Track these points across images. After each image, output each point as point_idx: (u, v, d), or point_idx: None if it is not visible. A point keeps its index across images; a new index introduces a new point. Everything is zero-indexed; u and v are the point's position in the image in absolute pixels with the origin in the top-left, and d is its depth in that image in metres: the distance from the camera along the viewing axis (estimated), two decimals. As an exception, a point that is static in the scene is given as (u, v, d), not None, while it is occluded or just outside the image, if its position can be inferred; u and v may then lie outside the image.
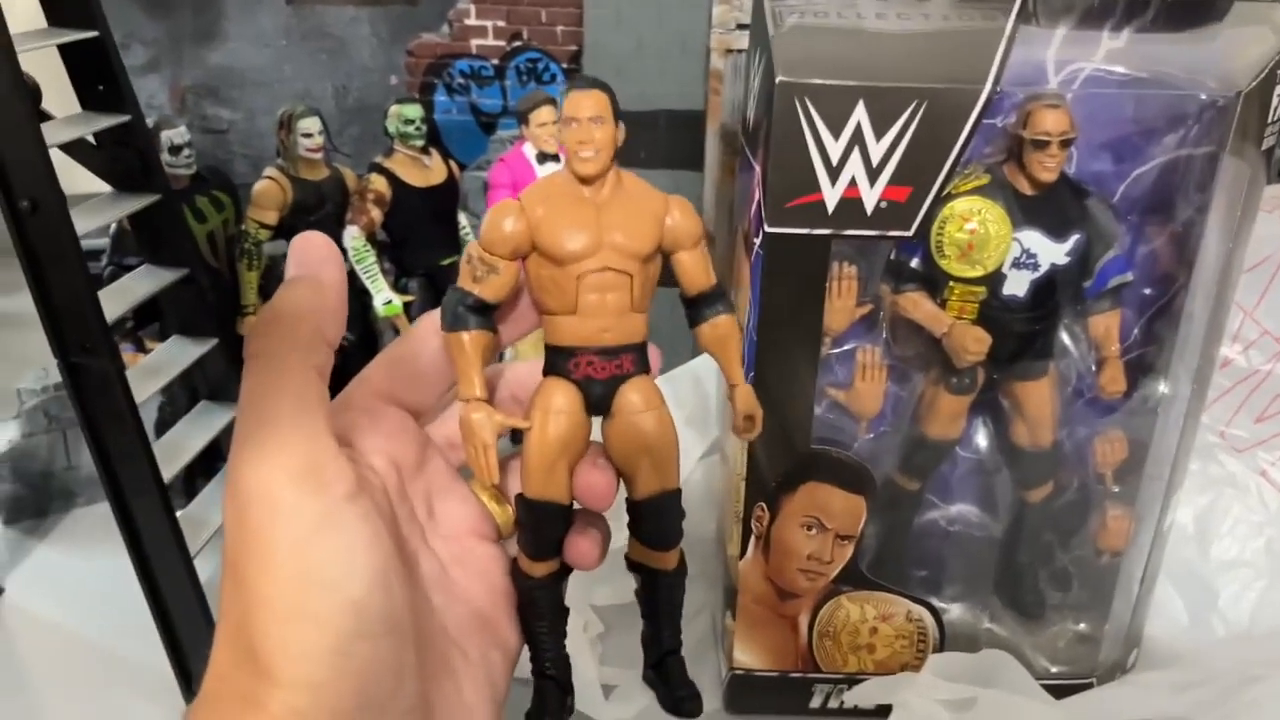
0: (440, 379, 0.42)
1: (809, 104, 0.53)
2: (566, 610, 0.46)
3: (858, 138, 0.53)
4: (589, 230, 0.41)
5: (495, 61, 1.45)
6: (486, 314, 0.42)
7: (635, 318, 0.42)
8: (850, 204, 0.55)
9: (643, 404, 0.43)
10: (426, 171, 1.28)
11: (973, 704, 0.60)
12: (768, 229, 0.56)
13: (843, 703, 0.70)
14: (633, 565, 0.46)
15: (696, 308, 0.45)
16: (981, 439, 0.70)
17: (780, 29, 0.56)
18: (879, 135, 0.53)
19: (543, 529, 0.43)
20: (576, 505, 0.44)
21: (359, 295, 1.25)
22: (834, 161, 0.54)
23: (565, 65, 1.45)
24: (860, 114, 0.53)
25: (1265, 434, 0.82)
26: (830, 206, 0.55)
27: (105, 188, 0.87)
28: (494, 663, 0.43)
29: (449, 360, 0.42)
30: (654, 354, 0.44)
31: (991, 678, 0.61)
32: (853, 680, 0.69)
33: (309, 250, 0.41)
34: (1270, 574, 0.79)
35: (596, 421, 0.44)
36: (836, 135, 0.53)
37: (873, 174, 0.54)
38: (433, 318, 0.42)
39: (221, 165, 1.49)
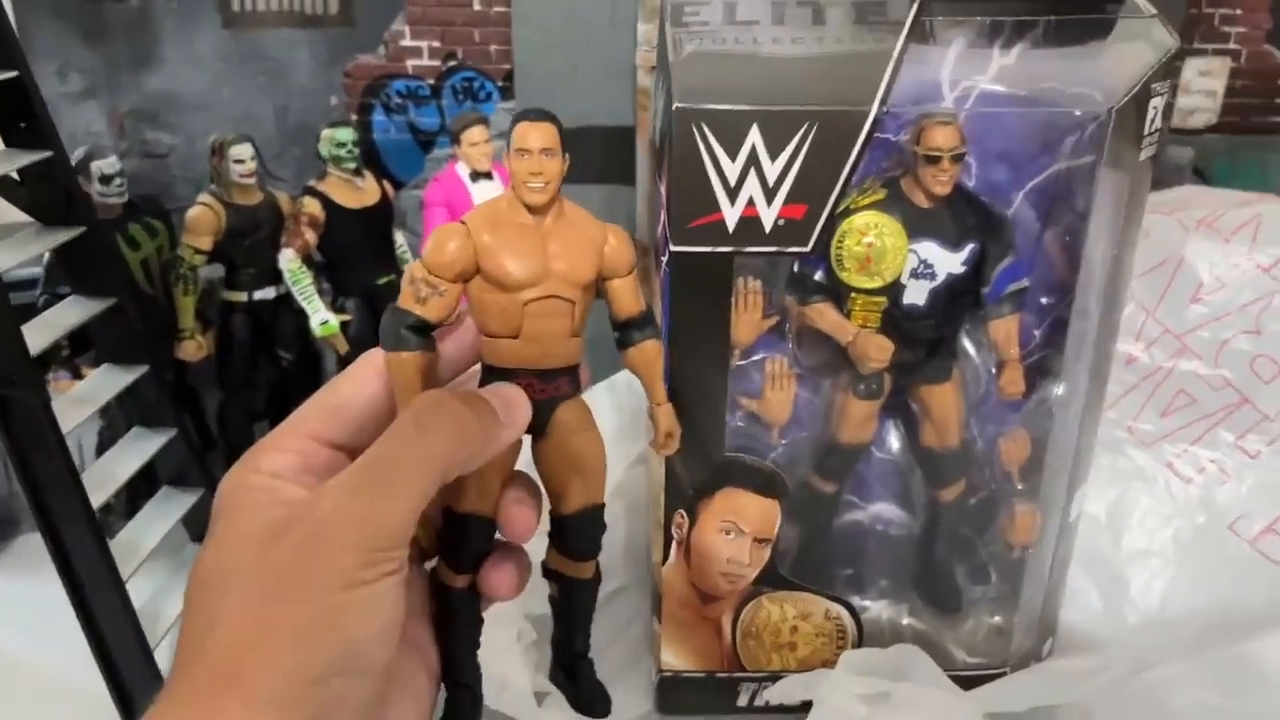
0: (380, 423, 0.42)
1: (705, 128, 0.55)
2: (482, 621, 0.47)
3: (753, 159, 0.56)
4: (536, 258, 0.42)
5: (431, 81, 1.47)
6: (427, 334, 0.43)
7: (573, 342, 0.44)
8: (749, 223, 0.57)
9: (577, 425, 0.45)
10: (359, 193, 1.29)
11: (887, 698, 0.63)
12: (673, 248, 0.58)
13: (768, 701, 0.72)
14: (550, 573, 0.48)
15: (626, 331, 0.47)
16: (894, 441, 0.72)
17: (679, 55, 0.58)
18: (773, 156, 0.56)
19: (468, 542, 0.44)
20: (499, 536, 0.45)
21: (297, 315, 1.27)
22: (732, 183, 0.56)
23: (500, 83, 1.48)
24: (755, 137, 0.55)
25: (1170, 428, 0.85)
26: (731, 226, 0.57)
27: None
28: (420, 685, 0.44)
29: (390, 379, 0.42)
30: (584, 374, 0.46)
31: (903, 671, 0.64)
32: (777, 678, 0.71)
33: (516, 413, 0.43)
34: (1178, 562, 0.82)
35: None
36: (733, 157, 0.56)
37: (769, 194, 0.57)
38: (371, 360, 0.43)
39: (163, 190, 1.50)
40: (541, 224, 0.43)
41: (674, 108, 0.55)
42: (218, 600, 0.36)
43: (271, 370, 1.35)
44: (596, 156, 1.31)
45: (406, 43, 1.49)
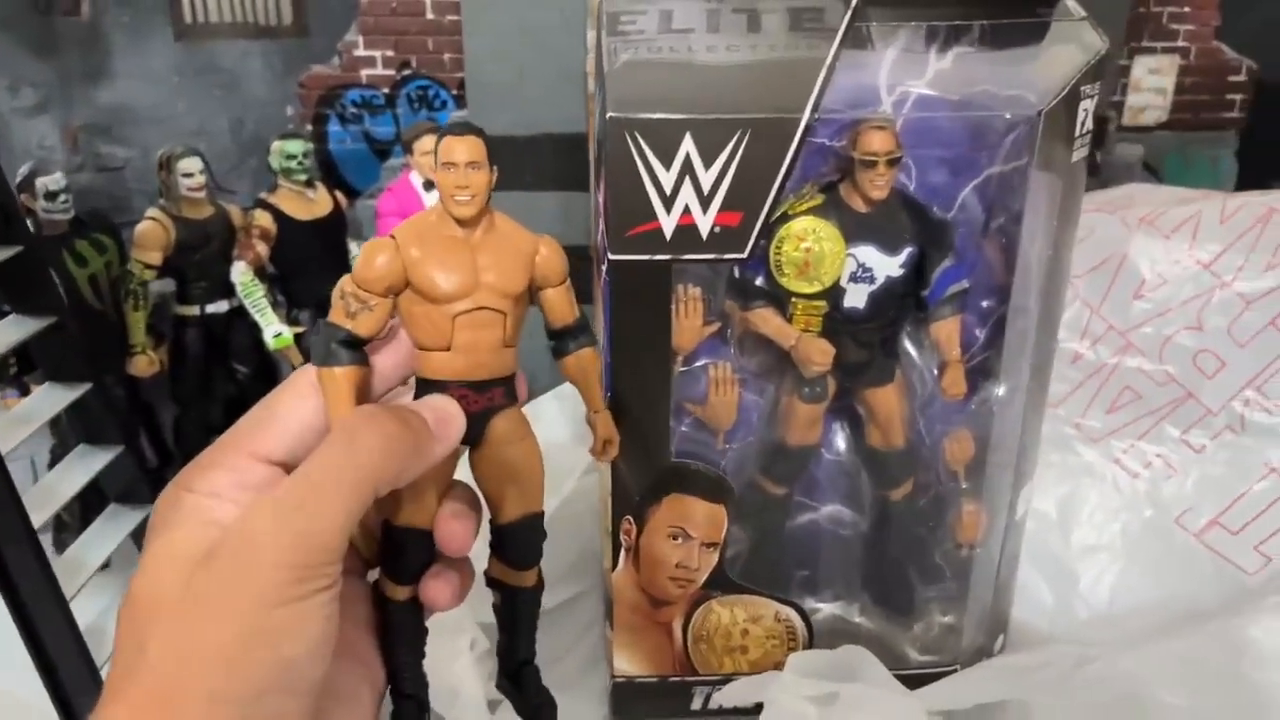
0: (317, 439, 0.42)
1: (639, 137, 0.55)
2: (426, 631, 0.47)
3: (688, 168, 0.56)
4: (465, 271, 0.42)
5: (386, 90, 1.47)
6: (359, 349, 0.43)
7: (507, 353, 0.44)
8: (686, 230, 0.58)
9: (512, 435, 0.45)
10: (311, 204, 1.29)
11: (835, 698, 0.63)
12: (611, 257, 0.58)
13: (723, 704, 0.72)
14: (492, 582, 0.48)
15: (561, 340, 0.47)
16: (841, 443, 0.73)
17: (614, 65, 0.58)
18: (707, 165, 0.56)
19: (407, 555, 0.45)
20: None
21: (252, 328, 1.26)
22: (667, 191, 0.57)
23: (455, 92, 1.48)
24: (688, 145, 0.56)
25: (1116, 424, 0.86)
26: (668, 234, 0.58)
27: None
28: (363, 699, 0.44)
29: (322, 395, 0.42)
30: (521, 385, 0.47)
31: (851, 672, 0.65)
32: (731, 681, 0.72)
33: (449, 426, 0.43)
34: (1127, 557, 0.83)
35: None
36: (668, 166, 0.56)
37: (704, 202, 0.57)
38: (306, 375, 0.43)
39: (119, 204, 1.50)
40: (471, 236, 0.43)
41: (608, 117, 0.55)
42: (146, 623, 0.36)
43: (227, 384, 1.34)
44: (550, 163, 1.31)
45: (360, 52, 1.49)
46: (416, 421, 0.41)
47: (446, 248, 0.43)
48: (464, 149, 0.42)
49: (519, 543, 0.47)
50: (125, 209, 1.40)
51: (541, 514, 0.47)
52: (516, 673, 0.49)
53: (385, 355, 0.45)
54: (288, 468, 0.41)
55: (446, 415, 0.43)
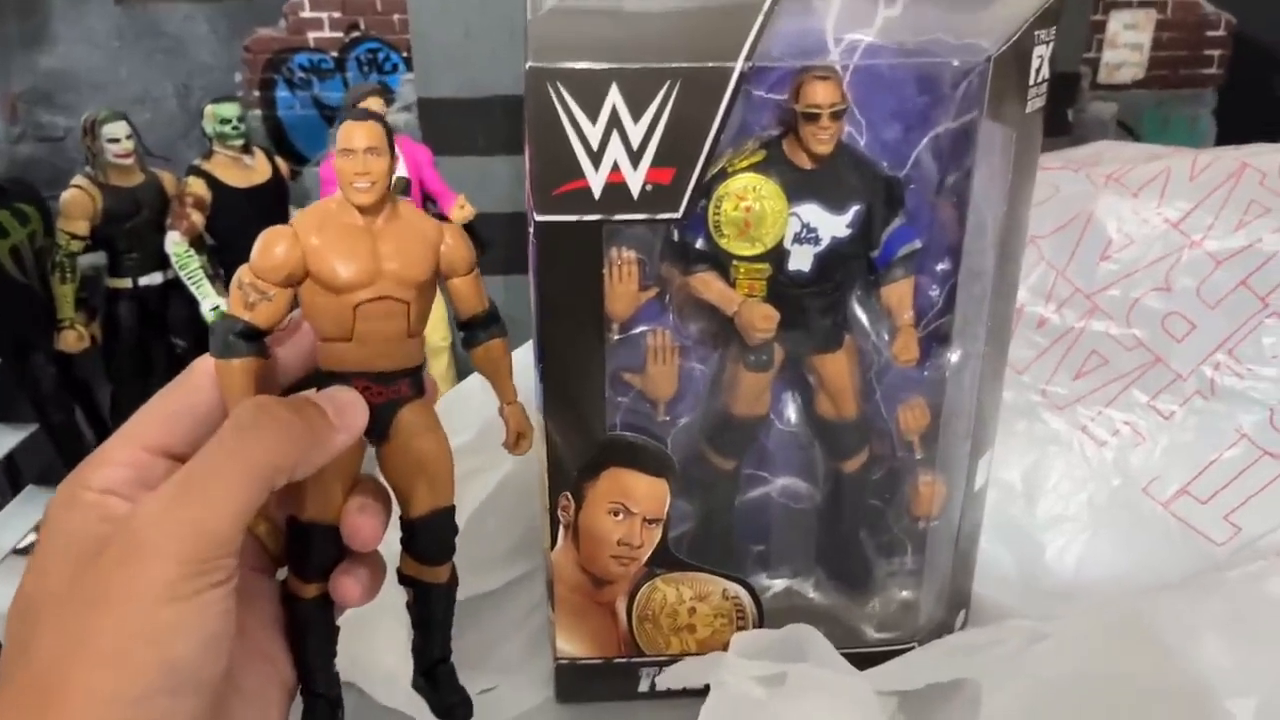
0: (215, 431, 0.41)
1: (562, 89, 0.52)
2: (337, 629, 0.46)
3: (615, 121, 0.53)
4: (365, 259, 0.42)
5: (335, 54, 1.42)
6: (258, 340, 0.42)
7: (412, 343, 0.44)
8: (616, 188, 0.54)
9: (420, 427, 0.44)
10: (248, 171, 1.25)
11: (783, 679, 0.60)
12: (537, 218, 0.55)
13: (669, 686, 0.70)
14: (404, 579, 0.47)
15: (471, 330, 0.47)
16: (793, 413, 0.70)
17: (538, 12, 0.55)
18: (636, 118, 0.53)
19: (315, 551, 0.44)
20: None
21: (190, 301, 1.22)
22: (594, 146, 0.53)
23: (405, 55, 1.43)
24: (615, 97, 0.52)
25: (1083, 390, 0.83)
26: (596, 192, 0.54)
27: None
28: (271, 699, 0.43)
29: (220, 387, 0.41)
30: (429, 381, 0.46)
31: (798, 651, 0.62)
32: (678, 661, 0.69)
33: (351, 415, 0.42)
34: (1093, 527, 0.80)
35: None
36: (594, 120, 0.53)
37: (634, 157, 0.54)
38: (205, 365, 0.42)
39: (61, 175, 1.44)
40: (372, 224, 0.42)
41: (528, 67, 0.52)
42: (31, 625, 0.35)
43: (166, 359, 1.30)
44: (501, 127, 1.27)
45: (306, 14, 1.44)
46: (312, 411, 0.40)
47: (347, 236, 0.42)
48: (363, 134, 0.41)
49: (430, 538, 0.46)
50: (68, 180, 1.35)
51: (453, 508, 0.46)
52: (430, 671, 0.48)
53: (289, 348, 0.44)
54: (185, 461, 0.40)
55: (347, 404, 0.42)
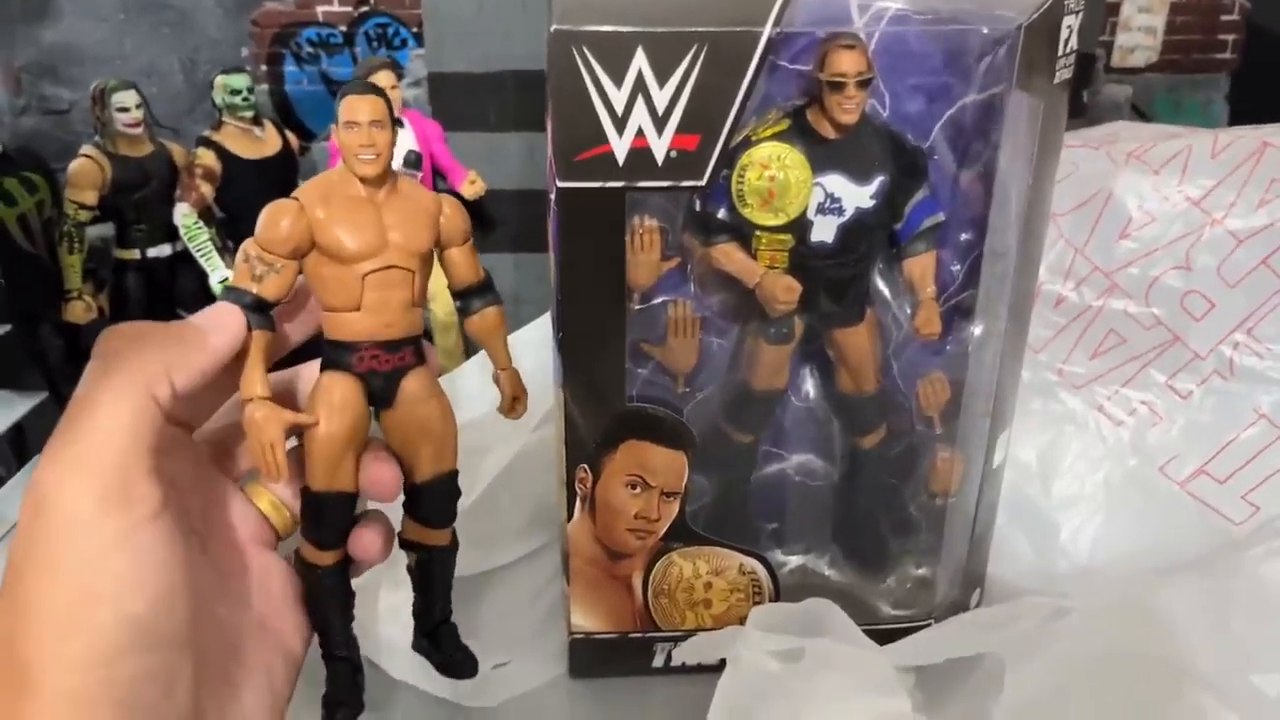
0: (218, 393, 0.43)
1: (587, 52, 0.51)
2: (353, 593, 0.47)
3: (640, 86, 0.52)
4: (372, 230, 0.43)
5: (344, 28, 1.41)
6: (266, 312, 0.43)
7: (415, 312, 0.45)
8: (640, 154, 0.54)
9: (424, 393, 0.45)
10: (258, 143, 1.24)
11: (801, 654, 0.60)
12: (559, 184, 0.54)
13: (685, 661, 0.69)
14: (406, 544, 0.48)
15: (466, 300, 0.48)
16: (811, 388, 0.69)
17: (562, -25, 0.54)
18: (661, 82, 0.52)
19: (330, 519, 0.45)
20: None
21: (199, 274, 1.21)
22: (619, 111, 0.53)
23: (415, 30, 1.42)
24: (641, 61, 0.52)
25: (1100, 369, 0.83)
26: (620, 158, 0.54)
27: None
28: (275, 669, 0.44)
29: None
30: (429, 349, 0.47)
31: (816, 626, 0.61)
32: (693, 637, 0.69)
33: (218, 316, 0.41)
34: (1108, 507, 0.80)
35: None
36: (619, 84, 0.52)
37: (659, 123, 0.53)
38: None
39: (66, 148, 1.43)
40: (375, 196, 0.43)
41: (552, 29, 0.51)
42: None
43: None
44: (513, 102, 1.26)
45: (316, -13, 1.43)
46: (178, 323, 0.41)
47: (352, 207, 0.43)
48: (367, 108, 0.42)
49: (435, 501, 0.47)
50: (72, 153, 1.33)
51: (455, 472, 0.47)
52: (433, 632, 0.49)
53: (297, 325, 0.46)
54: (188, 428, 0.43)
55: (219, 310, 0.42)
